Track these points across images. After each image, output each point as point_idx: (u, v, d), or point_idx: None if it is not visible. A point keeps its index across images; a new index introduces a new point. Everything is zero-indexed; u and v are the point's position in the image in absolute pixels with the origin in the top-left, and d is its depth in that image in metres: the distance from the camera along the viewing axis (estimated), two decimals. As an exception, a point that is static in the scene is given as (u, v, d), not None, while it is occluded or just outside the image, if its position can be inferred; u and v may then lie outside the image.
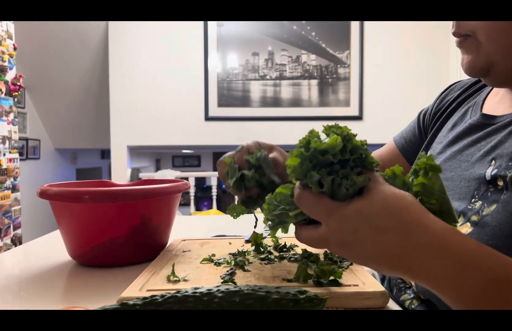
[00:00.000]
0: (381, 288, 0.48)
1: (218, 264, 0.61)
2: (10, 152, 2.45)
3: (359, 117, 3.25)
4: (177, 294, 0.39)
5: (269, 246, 0.69)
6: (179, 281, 0.54)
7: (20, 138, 3.25)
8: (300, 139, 0.37)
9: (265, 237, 0.68)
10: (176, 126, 3.24)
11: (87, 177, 5.01)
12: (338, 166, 0.36)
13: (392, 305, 0.49)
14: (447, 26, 2.99)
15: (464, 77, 0.63)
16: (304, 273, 0.51)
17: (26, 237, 2.75)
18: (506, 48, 0.49)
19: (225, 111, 3.26)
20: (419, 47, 3.21)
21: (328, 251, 0.62)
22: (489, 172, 0.48)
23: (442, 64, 3.16)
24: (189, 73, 3.25)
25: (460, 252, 0.34)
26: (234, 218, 0.63)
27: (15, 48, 2.49)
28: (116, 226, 0.67)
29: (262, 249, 0.67)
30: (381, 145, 0.83)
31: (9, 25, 2.45)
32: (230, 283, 0.52)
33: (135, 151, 4.09)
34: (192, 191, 3.37)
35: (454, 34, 0.53)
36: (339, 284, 0.50)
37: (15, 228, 2.51)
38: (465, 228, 0.48)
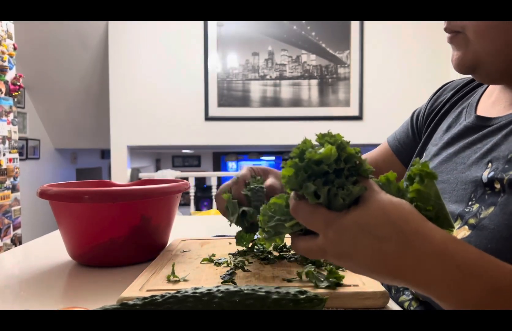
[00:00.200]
0: (381, 288, 0.48)
1: (218, 264, 0.61)
2: (10, 152, 2.45)
3: (359, 117, 3.25)
4: (177, 294, 0.39)
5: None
6: (179, 281, 0.54)
7: (20, 138, 3.26)
8: (293, 149, 0.37)
9: (255, 239, 0.68)
10: (176, 126, 3.24)
11: (87, 177, 5.01)
12: (333, 175, 0.36)
13: (392, 305, 0.49)
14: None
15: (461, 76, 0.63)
16: (315, 277, 0.51)
17: (26, 237, 2.75)
18: (493, 45, 0.49)
19: (225, 111, 3.26)
20: (419, 47, 3.21)
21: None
22: (486, 174, 0.48)
23: (442, 64, 3.16)
24: (189, 73, 3.25)
25: (461, 261, 0.33)
26: (244, 246, 0.66)
27: (15, 48, 2.49)
28: (116, 226, 0.67)
29: (256, 250, 0.67)
30: (381, 145, 0.83)
31: (9, 25, 2.45)
32: (230, 283, 0.52)
33: (135, 151, 4.09)
34: (192, 191, 3.37)
35: (446, 29, 0.54)
36: (339, 284, 0.50)
37: (15, 228, 2.51)
38: (462, 231, 0.47)
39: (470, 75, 0.56)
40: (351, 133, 3.18)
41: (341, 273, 0.51)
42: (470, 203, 0.49)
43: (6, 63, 2.38)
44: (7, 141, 2.42)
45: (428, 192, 0.36)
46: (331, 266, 0.52)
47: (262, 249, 0.67)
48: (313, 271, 0.52)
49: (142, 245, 0.70)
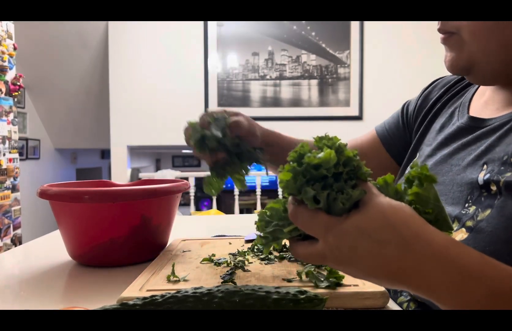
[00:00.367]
0: (381, 288, 0.48)
1: (218, 264, 0.61)
2: (10, 152, 2.45)
3: (359, 117, 3.25)
4: (177, 294, 0.39)
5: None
6: (179, 281, 0.54)
7: (20, 138, 3.25)
8: (291, 153, 0.36)
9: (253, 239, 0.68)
10: (176, 126, 3.22)
11: (87, 177, 5.01)
12: (332, 179, 0.35)
13: (392, 305, 0.49)
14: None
15: None
16: (315, 277, 0.51)
17: (26, 237, 2.75)
18: (488, 47, 0.49)
19: (225, 111, 3.26)
20: (419, 47, 3.21)
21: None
22: (482, 176, 0.48)
23: (442, 64, 3.15)
24: (189, 73, 3.25)
25: (462, 264, 0.33)
26: (212, 194, 0.64)
27: (15, 48, 2.49)
28: (116, 226, 0.67)
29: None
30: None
31: (9, 25, 2.45)
32: (230, 283, 0.52)
33: (135, 151, 4.09)
34: (192, 191, 3.37)
35: (439, 30, 0.53)
36: (339, 284, 0.50)
37: (15, 228, 2.51)
38: (460, 234, 0.47)
39: None
40: (351, 133, 3.18)
41: (341, 273, 0.51)
42: (466, 205, 0.49)
43: (6, 63, 2.38)
44: (7, 141, 2.42)
45: (427, 195, 0.36)
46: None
47: (262, 249, 0.67)
48: (313, 271, 0.52)
49: (142, 245, 0.70)
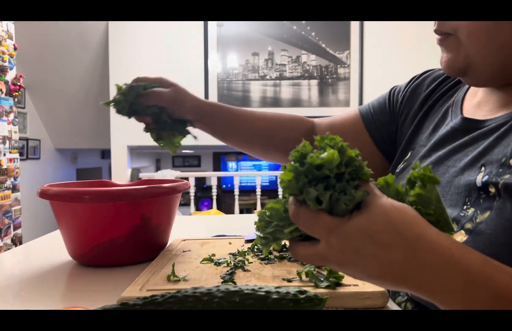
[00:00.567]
0: (381, 288, 0.48)
1: (218, 264, 0.61)
2: (10, 152, 2.45)
3: (359, 117, 3.25)
4: (177, 294, 0.39)
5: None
6: (179, 281, 0.54)
7: (20, 138, 3.26)
8: (292, 152, 0.36)
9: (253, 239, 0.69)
10: (176, 126, 3.23)
11: (87, 177, 5.01)
12: (334, 179, 0.35)
13: (392, 305, 0.49)
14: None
15: None
16: (314, 277, 0.51)
17: (26, 237, 2.75)
18: (486, 49, 0.49)
19: (225, 111, 3.26)
20: (419, 47, 3.21)
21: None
22: (480, 178, 0.48)
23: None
24: (189, 73, 3.25)
25: (466, 267, 0.33)
26: (162, 147, 0.74)
27: (15, 48, 2.49)
28: (116, 226, 0.67)
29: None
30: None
31: (9, 25, 2.45)
32: (230, 283, 0.52)
33: (135, 151, 4.09)
34: (192, 191, 3.37)
35: (436, 31, 0.53)
36: (339, 284, 0.50)
37: (15, 228, 2.51)
38: (459, 236, 0.47)
39: None
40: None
41: (341, 273, 0.51)
42: (465, 207, 0.49)
43: (6, 63, 2.38)
44: (7, 142, 2.42)
45: (429, 196, 0.35)
46: (331, 266, 0.52)
47: (261, 249, 0.67)
48: (313, 271, 0.52)
49: (142, 245, 0.70)
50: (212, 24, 3.23)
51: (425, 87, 0.67)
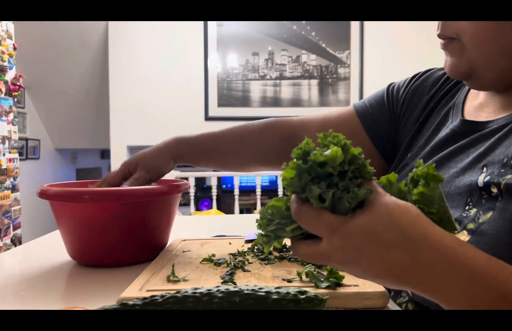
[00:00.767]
0: (381, 288, 0.48)
1: (218, 264, 0.61)
2: (10, 152, 2.45)
3: (359, 117, 3.25)
4: (177, 294, 0.39)
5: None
6: (179, 281, 0.54)
7: (20, 138, 3.25)
8: (295, 150, 0.35)
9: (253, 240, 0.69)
10: (176, 127, 3.23)
11: (87, 177, 5.01)
12: (337, 177, 0.34)
13: (392, 306, 0.49)
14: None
15: None
16: (315, 278, 0.51)
17: (26, 237, 2.75)
18: (489, 53, 0.49)
19: (225, 111, 3.26)
20: (419, 47, 3.21)
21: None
22: (482, 179, 0.48)
23: (442, 64, 3.15)
24: (189, 73, 3.25)
25: (471, 266, 0.33)
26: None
27: (15, 48, 2.49)
28: (116, 226, 0.66)
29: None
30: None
31: (9, 25, 2.45)
32: (230, 283, 0.52)
33: (135, 151, 4.09)
34: (192, 191, 3.37)
35: (439, 36, 0.53)
36: (339, 284, 0.50)
37: (14, 228, 2.51)
38: (462, 236, 0.47)
39: None
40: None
41: (341, 273, 0.51)
42: (467, 207, 0.49)
43: (6, 63, 2.38)
44: (7, 141, 2.42)
45: (432, 195, 0.35)
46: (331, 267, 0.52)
47: (262, 249, 0.67)
48: (313, 271, 0.52)
49: (142, 245, 0.70)
50: (212, 24, 3.22)
51: (427, 90, 0.67)
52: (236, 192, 3.34)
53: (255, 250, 0.68)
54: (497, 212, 0.45)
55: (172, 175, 3.34)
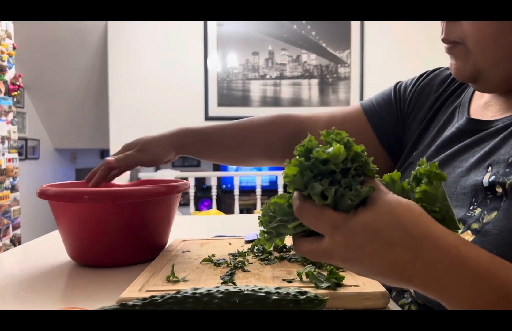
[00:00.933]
0: (381, 288, 0.48)
1: (218, 264, 0.61)
2: (9, 152, 2.45)
3: (359, 117, 3.25)
4: (176, 295, 0.39)
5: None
6: (178, 281, 0.54)
7: (19, 138, 3.25)
8: (297, 147, 0.36)
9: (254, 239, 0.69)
10: (175, 126, 3.22)
11: (87, 176, 5.00)
12: (340, 175, 0.34)
13: (393, 306, 0.49)
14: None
15: None
16: (315, 278, 0.51)
17: (26, 237, 2.74)
18: (494, 56, 0.49)
19: (225, 111, 3.26)
20: (419, 47, 3.21)
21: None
22: (487, 178, 0.48)
23: (442, 64, 3.16)
24: (189, 73, 3.25)
25: (473, 265, 0.33)
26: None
27: (14, 48, 2.49)
28: (116, 226, 0.66)
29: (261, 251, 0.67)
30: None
31: (8, 25, 2.45)
32: (230, 284, 0.52)
33: (135, 151, 4.09)
34: (192, 191, 3.37)
35: (444, 40, 0.53)
36: (339, 285, 0.50)
37: (14, 228, 2.51)
38: (466, 236, 0.47)
39: None
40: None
41: (341, 273, 0.51)
42: (471, 207, 0.48)
43: (5, 63, 2.38)
44: (6, 141, 2.41)
45: (435, 193, 0.35)
46: (332, 267, 0.52)
47: (262, 249, 0.67)
48: (313, 272, 0.52)
49: (142, 245, 0.70)
50: (212, 24, 3.22)
51: (435, 89, 0.67)
52: (236, 192, 3.34)
53: (255, 250, 0.67)
54: (501, 212, 0.44)
55: (172, 175, 3.34)
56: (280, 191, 3.32)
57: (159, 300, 0.39)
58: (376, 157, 0.72)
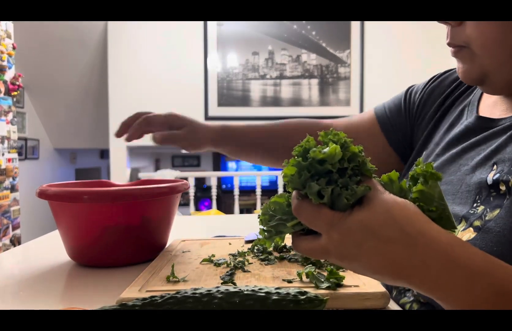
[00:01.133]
0: (382, 288, 0.48)
1: (218, 264, 0.61)
2: (9, 152, 2.45)
3: (358, 117, 3.25)
4: (176, 295, 0.39)
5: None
6: (178, 281, 0.54)
7: (19, 138, 3.25)
8: (296, 147, 0.36)
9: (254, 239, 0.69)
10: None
11: (86, 177, 5.01)
12: (337, 174, 0.35)
13: (393, 307, 0.49)
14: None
15: None
16: (315, 278, 0.51)
17: (25, 237, 2.74)
18: (500, 59, 0.49)
19: (225, 111, 3.27)
20: (420, 47, 3.21)
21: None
22: (491, 176, 0.48)
23: (443, 64, 3.16)
24: (189, 73, 3.25)
25: (468, 264, 0.33)
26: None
27: (14, 48, 2.49)
28: (116, 226, 0.66)
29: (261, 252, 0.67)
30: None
31: (8, 25, 2.45)
32: (230, 284, 0.52)
33: (135, 151, 4.09)
34: (191, 191, 3.37)
35: (449, 45, 0.53)
36: (339, 285, 0.50)
37: (14, 228, 2.51)
38: (468, 233, 0.47)
39: None
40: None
41: (341, 273, 0.51)
42: (475, 204, 0.49)
43: (5, 63, 2.38)
44: (6, 141, 2.41)
45: (431, 193, 0.36)
46: (332, 267, 0.52)
47: (262, 249, 0.67)
48: (313, 272, 0.52)
49: (141, 245, 0.70)
50: (212, 24, 3.22)
51: (444, 89, 0.67)
52: (236, 192, 3.34)
53: (255, 251, 0.67)
54: (504, 210, 0.45)
55: (172, 174, 3.34)
56: (280, 191, 3.32)
57: (159, 300, 0.39)
58: (389, 161, 0.73)
